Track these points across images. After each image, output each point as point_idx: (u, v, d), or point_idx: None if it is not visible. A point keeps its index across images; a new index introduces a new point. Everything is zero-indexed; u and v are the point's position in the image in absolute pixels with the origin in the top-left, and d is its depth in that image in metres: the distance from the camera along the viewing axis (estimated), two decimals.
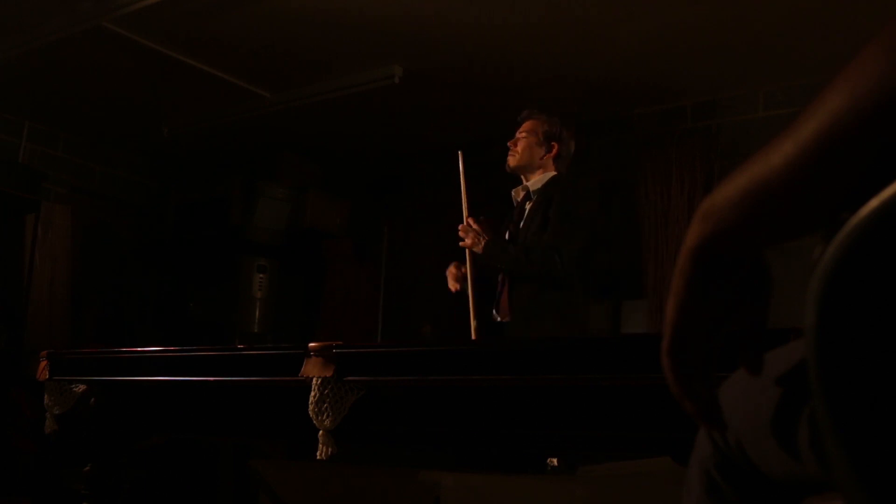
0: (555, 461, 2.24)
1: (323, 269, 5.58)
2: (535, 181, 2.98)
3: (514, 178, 3.09)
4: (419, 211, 5.37)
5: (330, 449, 1.57)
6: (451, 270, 3.00)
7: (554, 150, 2.99)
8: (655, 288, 4.33)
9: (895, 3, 3.07)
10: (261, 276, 5.42)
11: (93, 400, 2.19)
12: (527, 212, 2.97)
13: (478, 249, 2.86)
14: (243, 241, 5.39)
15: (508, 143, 3.02)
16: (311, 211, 5.44)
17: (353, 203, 5.66)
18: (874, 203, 0.47)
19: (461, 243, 2.90)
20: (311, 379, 1.59)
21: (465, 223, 2.91)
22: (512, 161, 3.01)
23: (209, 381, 1.86)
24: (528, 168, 2.99)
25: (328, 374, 1.58)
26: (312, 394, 1.58)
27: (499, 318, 2.93)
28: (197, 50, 4.23)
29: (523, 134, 3.00)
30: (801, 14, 3.57)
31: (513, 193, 3.07)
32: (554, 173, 2.98)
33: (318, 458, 1.56)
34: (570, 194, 2.91)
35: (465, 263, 2.94)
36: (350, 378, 1.58)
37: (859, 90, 0.48)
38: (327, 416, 1.56)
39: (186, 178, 5.89)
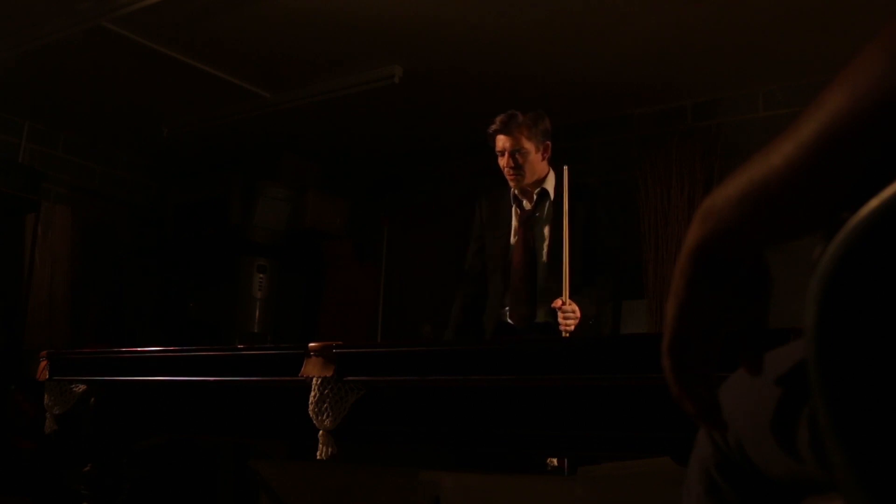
0: (555, 461, 2.23)
1: (323, 269, 5.58)
2: (547, 182, 2.88)
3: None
4: (419, 211, 5.37)
5: (330, 449, 1.57)
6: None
7: (549, 150, 2.86)
8: (655, 288, 4.33)
9: (895, 3, 3.07)
10: (261, 276, 5.42)
11: (93, 400, 2.18)
12: (545, 211, 2.88)
13: (573, 327, 2.59)
14: (243, 241, 5.38)
15: (503, 165, 2.82)
16: (311, 211, 5.43)
17: (353, 203, 5.66)
18: (874, 203, 0.47)
19: (566, 327, 2.55)
20: (311, 379, 1.59)
21: (564, 302, 2.52)
22: (519, 183, 2.84)
23: (209, 381, 1.87)
24: (534, 180, 2.87)
25: (328, 374, 1.58)
26: (312, 394, 1.58)
27: (511, 322, 2.88)
28: (197, 50, 4.23)
29: (515, 149, 2.78)
30: (801, 14, 3.56)
31: (517, 193, 2.92)
32: (550, 170, 2.90)
33: (318, 458, 1.56)
34: (606, 209, 2.90)
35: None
36: (350, 378, 1.58)
37: (859, 90, 0.48)
38: (327, 416, 1.56)
39: (186, 179, 5.89)
